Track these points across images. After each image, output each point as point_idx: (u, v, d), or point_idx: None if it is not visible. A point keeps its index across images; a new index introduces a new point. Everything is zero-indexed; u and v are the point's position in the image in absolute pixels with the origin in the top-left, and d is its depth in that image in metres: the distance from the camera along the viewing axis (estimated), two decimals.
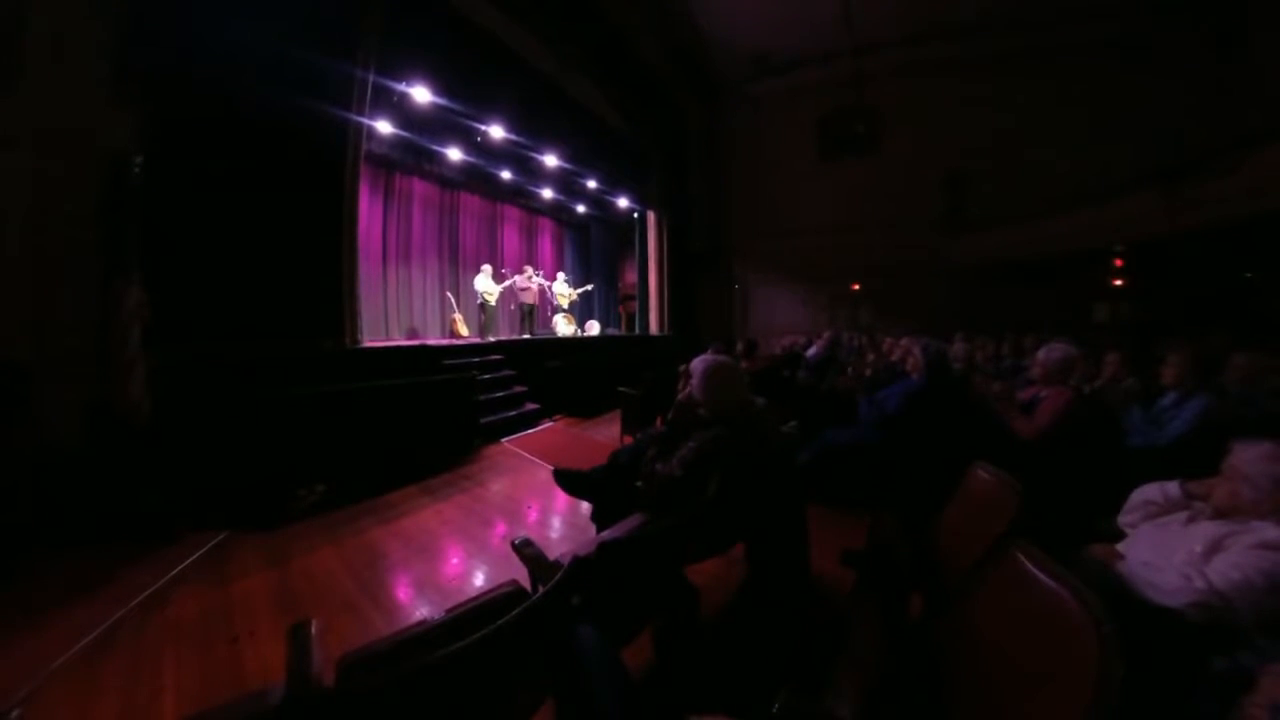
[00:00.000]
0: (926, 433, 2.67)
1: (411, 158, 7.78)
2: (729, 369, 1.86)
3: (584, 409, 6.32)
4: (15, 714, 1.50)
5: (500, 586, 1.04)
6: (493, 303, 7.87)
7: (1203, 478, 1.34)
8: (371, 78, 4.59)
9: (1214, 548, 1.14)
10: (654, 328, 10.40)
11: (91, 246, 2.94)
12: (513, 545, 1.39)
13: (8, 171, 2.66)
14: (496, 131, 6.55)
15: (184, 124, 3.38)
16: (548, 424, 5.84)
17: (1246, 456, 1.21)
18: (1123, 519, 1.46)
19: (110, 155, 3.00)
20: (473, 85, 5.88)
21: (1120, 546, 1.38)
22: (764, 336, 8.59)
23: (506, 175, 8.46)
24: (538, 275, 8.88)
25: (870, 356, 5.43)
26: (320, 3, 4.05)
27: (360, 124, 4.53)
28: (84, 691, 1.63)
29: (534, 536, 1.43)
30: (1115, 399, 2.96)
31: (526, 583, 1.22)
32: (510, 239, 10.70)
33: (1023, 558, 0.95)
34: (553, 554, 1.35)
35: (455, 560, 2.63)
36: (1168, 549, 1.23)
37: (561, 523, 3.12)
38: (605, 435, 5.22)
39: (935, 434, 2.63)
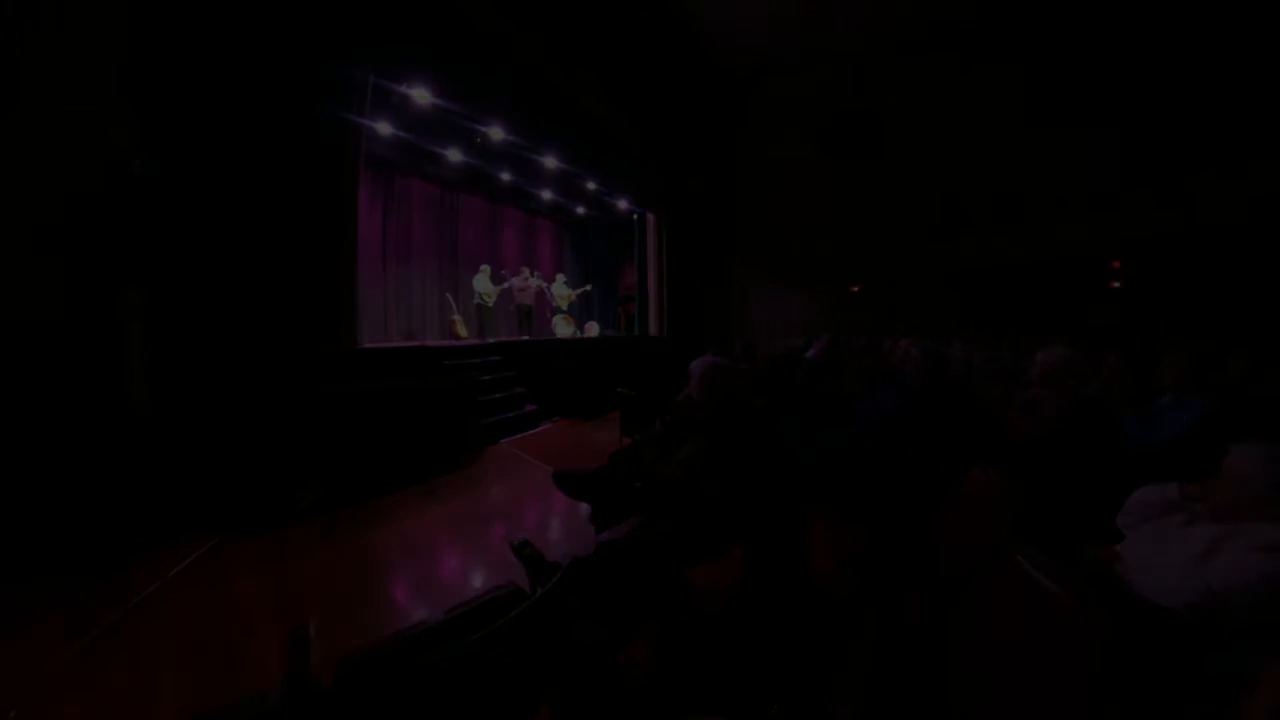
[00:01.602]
0: (926, 434, 2.67)
1: (411, 159, 7.77)
2: (728, 370, 1.86)
3: (583, 410, 6.32)
4: (13, 714, 1.50)
5: (499, 587, 1.03)
6: (490, 303, 7.85)
7: (1200, 479, 1.34)
8: (371, 78, 4.60)
9: (1212, 549, 1.14)
10: (654, 329, 10.39)
11: (92, 247, 2.94)
12: (511, 546, 1.39)
13: (9, 172, 2.66)
14: (496, 132, 6.56)
15: (184, 125, 3.38)
16: (547, 425, 5.84)
17: (1244, 458, 1.22)
18: (1121, 520, 1.46)
19: (111, 156, 3.00)
20: (473, 85, 5.88)
21: (1119, 548, 1.38)
22: (763, 338, 8.59)
23: (506, 176, 8.46)
24: (535, 276, 8.87)
25: (868, 359, 5.43)
26: (320, 3, 4.06)
27: (360, 125, 4.54)
28: (82, 692, 1.63)
29: (533, 538, 1.42)
30: (1113, 400, 2.96)
31: (525, 584, 1.22)
32: (510, 240, 10.69)
33: (1023, 559, 0.95)
34: (552, 555, 1.35)
35: (454, 561, 2.63)
36: (1166, 550, 1.23)
37: (560, 524, 3.11)
38: (605, 436, 5.21)
39: (934, 435, 2.63)
